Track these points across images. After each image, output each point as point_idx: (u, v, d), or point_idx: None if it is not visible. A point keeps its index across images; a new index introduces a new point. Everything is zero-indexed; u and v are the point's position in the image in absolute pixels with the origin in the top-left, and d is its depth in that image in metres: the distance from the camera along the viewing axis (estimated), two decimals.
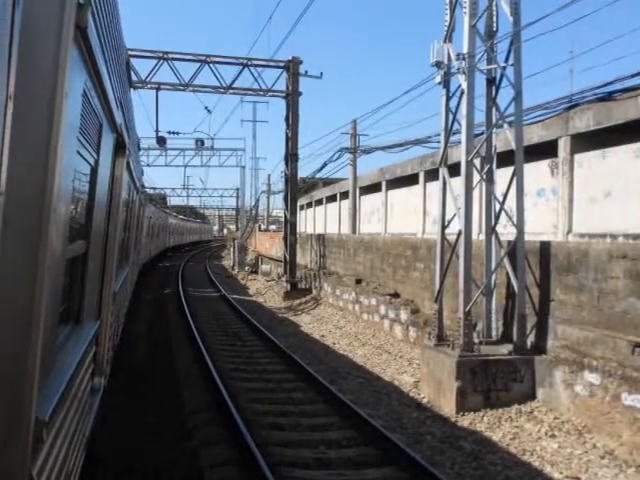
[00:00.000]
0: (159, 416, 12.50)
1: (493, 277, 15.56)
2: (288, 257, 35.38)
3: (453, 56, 15.56)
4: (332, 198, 51.44)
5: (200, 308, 29.54)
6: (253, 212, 78.02)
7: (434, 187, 24.53)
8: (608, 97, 17.94)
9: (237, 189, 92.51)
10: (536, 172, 20.85)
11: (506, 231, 16.81)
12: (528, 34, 40.83)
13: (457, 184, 15.42)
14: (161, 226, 52.66)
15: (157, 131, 37.70)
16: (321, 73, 35.23)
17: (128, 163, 8.34)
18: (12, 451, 2.72)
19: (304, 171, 58.93)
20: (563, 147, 20.00)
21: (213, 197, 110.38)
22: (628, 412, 11.20)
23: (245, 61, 33.50)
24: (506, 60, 15.29)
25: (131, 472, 9.64)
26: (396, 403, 14.21)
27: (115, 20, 5.78)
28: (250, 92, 35.96)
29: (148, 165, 63.33)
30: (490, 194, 15.89)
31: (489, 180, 15.77)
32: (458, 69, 15.22)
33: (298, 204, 41.13)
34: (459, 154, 15.31)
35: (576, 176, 19.57)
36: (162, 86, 33.25)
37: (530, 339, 14.64)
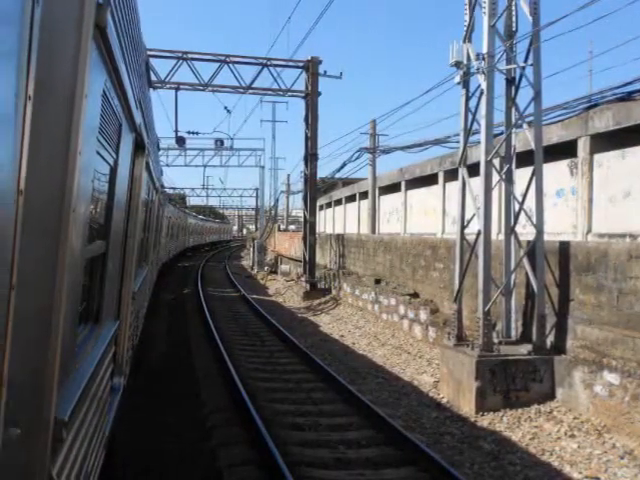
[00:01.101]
0: (178, 416, 12.56)
1: (512, 277, 15.54)
2: (307, 257, 35.38)
3: (472, 56, 15.55)
4: (351, 198, 51.40)
5: (219, 308, 29.61)
6: (272, 212, 77.95)
7: (453, 187, 24.48)
8: (627, 97, 17.86)
9: (256, 189, 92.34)
10: (555, 172, 20.81)
11: (525, 231, 16.81)
12: (547, 34, 40.67)
13: (476, 184, 15.40)
14: (180, 226, 52.78)
15: (176, 131, 37.76)
16: (340, 73, 35.30)
17: (147, 163, 8.36)
18: (32, 451, 2.74)
19: (323, 171, 58.95)
20: (582, 147, 19.94)
21: (232, 197, 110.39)
22: None
23: (264, 61, 33.50)
24: (525, 60, 15.28)
25: (150, 472, 9.70)
26: (415, 403, 14.21)
27: (134, 20, 5.80)
28: (269, 92, 35.96)
29: (167, 165, 63.52)
30: (509, 194, 15.86)
31: (508, 180, 15.75)
32: (477, 69, 15.20)
33: (317, 204, 41.09)
34: (478, 154, 15.32)
35: (595, 176, 19.50)
36: (181, 86, 33.34)
37: (549, 339, 14.61)
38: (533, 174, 15.16)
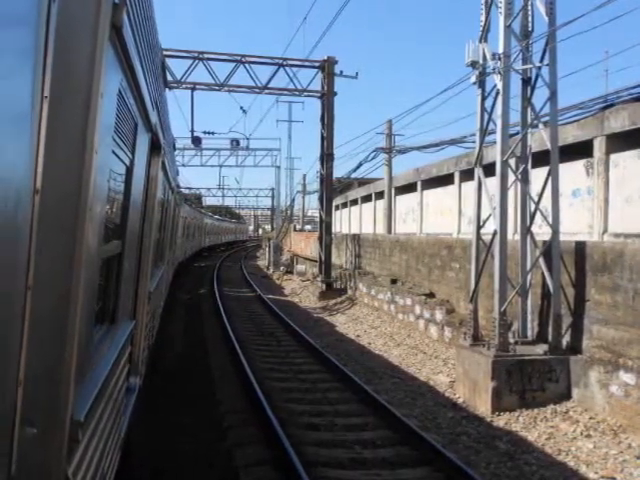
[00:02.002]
0: (194, 416, 12.59)
1: (528, 277, 15.52)
2: (323, 257, 35.39)
3: (488, 56, 15.53)
4: (367, 198, 51.32)
5: (235, 308, 29.68)
6: (288, 212, 77.99)
7: (469, 187, 24.43)
8: None
9: (272, 189, 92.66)
10: (571, 172, 20.75)
11: (541, 231, 16.77)
12: (563, 34, 40.56)
13: (492, 184, 15.40)
14: (196, 226, 52.81)
15: (192, 131, 37.82)
16: (356, 73, 35.29)
17: (163, 163, 8.37)
18: (48, 451, 2.76)
19: (339, 171, 58.90)
20: (598, 147, 19.87)
21: (248, 197, 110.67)
22: None
23: (280, 61, 33.52)
24: (541, 60, 15.25)
25: (166, 472, 9.73)
26: (431, 403, 14.21)
27: (150, 20, 5.83)
28: (285, 92, 35.96)
29: (183, 165, 63.71)
30: (525, 194, 15.84)
31: (524, 180, 15.73)
32: (493, 69, 15.19)
33: (333, 204, 41.06)
34: (494, 154, 15.30)
35: (611, 176, 19.43)
36: (197, 86, 33.38)
37: (565, 339, 14.59)
38: (549, 174, 15.13)
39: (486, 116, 16.16)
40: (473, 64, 16.12)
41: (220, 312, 26.41)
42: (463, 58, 16.27)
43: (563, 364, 13.99)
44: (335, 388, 15.08)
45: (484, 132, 16.43)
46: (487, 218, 15.83)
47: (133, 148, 5.13)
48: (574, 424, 12.54)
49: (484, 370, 14.02)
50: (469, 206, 24.54)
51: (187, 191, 70.14)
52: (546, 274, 14.97)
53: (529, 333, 15.51)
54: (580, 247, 14.62)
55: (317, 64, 34.51)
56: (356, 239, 37.79)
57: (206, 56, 32.35)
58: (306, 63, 34.80)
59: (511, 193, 15.83)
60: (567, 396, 13.83)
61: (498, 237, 14.78)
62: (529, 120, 15.68)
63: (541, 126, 15.63)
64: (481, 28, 15.98)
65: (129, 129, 4.77)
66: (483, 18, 15.95)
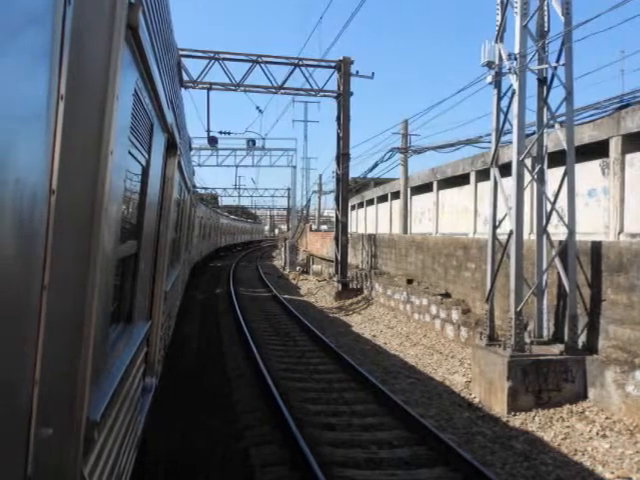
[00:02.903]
0: (210, 415, 12.63)
1: (544, 277, 15.51)
2: (339, 257, 35.35)
3: (504, 56, 15.54)
4: (383, 198, 51.22)
5: (251, 308, 29.72)
6: (304, 212, 77.93)
7: (485, 187, 24.40)
8: None
9: (288, 189, 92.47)
10: (587, 172, 20.69)
11: (557, 231, 16.75)
12: (579, 34, 40.43)
13: (508, 184, 15.39)
14: (212, 226, 52.81)
15: (208, 131, 37.81)
16: (372, 73, 35.20)
17: (179, 163, 8.36)
18: (64, 450, 2.77)
19: (355, 171, 58.81)
20: (614, 147, 19.79)
21: (264, 197, 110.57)
22: None
23: (296, 61, 33.50)
24: (557, 60, 15.25)
25: (182, 471, 9.78)
26: (447, 403, 14.21)
27: (166, 20, 5.84)
28: (301, 92, 35.85)
29: (199, 165, 63.79)
30: (541, 194, 15.83)
31: (540, 180, 15.72)
32: (509, 69, 15.18)
33: (349, 204, 41.03)
34: (510, 154, 15.32)
35: (627, 176, 19.36)
36: (213, 86, 33.36)
37: (581, 339, 14.58)
38: (565, 174, 15.12)
39: (502, 116, 16.18)
40: (489, 64, 16.13)
41: (236, 312, 26.49)
42: (479, 58, 16.29)
43: (579, 364, 13.98)
44: (351, 388, 15.09)
45: (500, 132, 16.44)
46: (503, 218, 15.83)
47: (149, 148, 5.12)
48: (590, 424, 12.53)
49: (500, 370, 14.02)
50: (485, 206, 24.49)
51: (203, 191, 70.28)
52: (562, 274, 14.96)
53: (545, 333, 15.50)
54: (596, 247, 14.62)
55: (333, 64, 34.50)
56: (372, 239, 37.79)
57: (222, 56, 32.36)
58: (322, 63, 34.78)
59: (527, 193, 15.83)
60: (583, 396, 13.82)
61: (514, 237, 14.78)
62: (545, 120, 15.68)
63: (557, 126, 15.62)
64: (497, 28, 15.98)
65: (145, 129, 4.77)
66: (499, 18, 15.96)
